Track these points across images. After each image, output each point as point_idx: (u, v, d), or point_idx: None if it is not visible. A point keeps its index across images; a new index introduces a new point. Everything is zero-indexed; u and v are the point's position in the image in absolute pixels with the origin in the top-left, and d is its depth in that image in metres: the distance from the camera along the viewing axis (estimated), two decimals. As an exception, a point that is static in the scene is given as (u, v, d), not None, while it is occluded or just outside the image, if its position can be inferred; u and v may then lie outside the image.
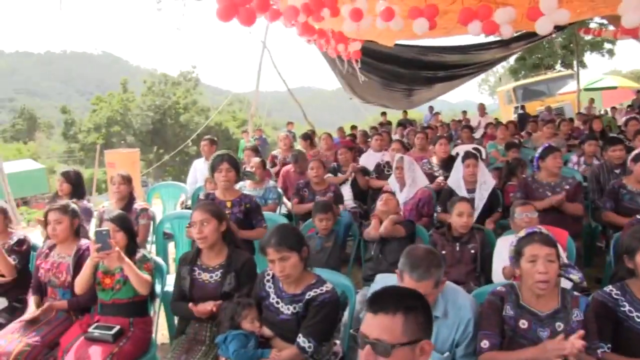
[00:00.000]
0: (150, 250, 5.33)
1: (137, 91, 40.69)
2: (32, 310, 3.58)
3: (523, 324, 2.56)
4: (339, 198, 5.47)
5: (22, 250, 4.02)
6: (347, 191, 6.24)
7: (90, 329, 3.27)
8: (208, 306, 3.00)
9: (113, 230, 3.30)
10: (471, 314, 2.61)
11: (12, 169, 21.36)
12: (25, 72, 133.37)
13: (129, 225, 3.49)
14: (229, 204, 4.18)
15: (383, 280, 2.91)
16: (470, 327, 2.59)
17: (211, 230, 3.15)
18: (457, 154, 6.59)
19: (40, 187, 21.56)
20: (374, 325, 1.63)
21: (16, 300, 3.92)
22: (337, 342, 3.31)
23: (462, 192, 4.98)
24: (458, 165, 5.21)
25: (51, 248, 3.73)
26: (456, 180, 5.13)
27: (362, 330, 1.66)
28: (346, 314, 3.38)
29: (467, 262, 3.89)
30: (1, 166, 10.94)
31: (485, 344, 2.54)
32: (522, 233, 2.68)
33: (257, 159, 5.97)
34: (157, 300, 3.80)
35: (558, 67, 25.72)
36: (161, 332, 4.44)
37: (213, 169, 4.22)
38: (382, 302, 1.67)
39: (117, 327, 3.25)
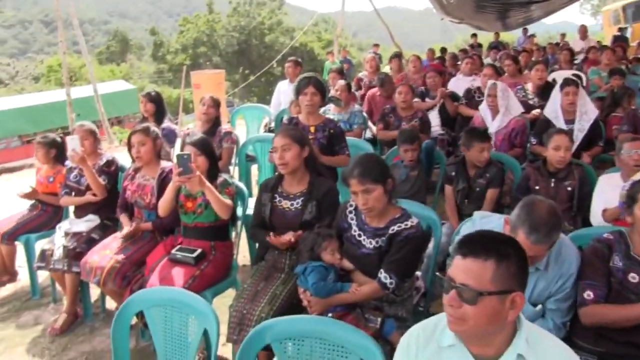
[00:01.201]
0: (233, 173, 5.38)
1: (223, 12, 40.71)
2: (125, 227, 3.69)
3: (633, 277, 2.29)
4: (426, 125, 5.19)
5: (111, 170, 4.11)
6: (434, 117, 5.95)
7: (173, 251, 3.32)
8: (286, 237, 2.94)
9: (194, 154, 3.27)
10: (574, 269, 2.36)
11: (105, 90, 22.20)
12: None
13: (211, 149, 3.44)
14: (312, 129, 4.05)
15: (483, 221, 2.67)
16: (569, 281, 2.35)
17: (293, 156, 3.04)
18: (554, 81, 6.11)
19: (132, 107, 22.27)
20: (462, 269, 1.49)
21: (107, 218, 4.05)
22: (419, 274, 3.22)
23: (560, 123, 4.59)
24: (556, 93, 4.78)
25: (136, 170, 3.78)
26: (553, 110, 4.73)
27: (449, 273, 1.52)
28: (431, 246, 3.25)
29: (562, 200, 3.58)
30: (95, 87, 11.33)
31: (589, 295, 2.31)
32: (639, 176, 2.37)
33: (342, 82, 5.75)
34: (239, 224, 3.82)
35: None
36: (242, 254, 4.51)
37: (298, 91, 4.07)
38: (473, 245, 1.51)
39: (199, 250, 3.28)
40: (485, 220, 2.69)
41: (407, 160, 4.27)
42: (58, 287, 4.13)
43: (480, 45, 15.34)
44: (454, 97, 6.26)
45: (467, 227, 2.70)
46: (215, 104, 4.99)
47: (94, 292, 4.06)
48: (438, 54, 13.07)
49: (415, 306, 2.85)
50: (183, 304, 2.18)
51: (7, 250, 4.38)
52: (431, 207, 4.49)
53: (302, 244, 2.76)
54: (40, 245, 4.05)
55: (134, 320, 2.61)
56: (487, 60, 10.09)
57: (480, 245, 1.51)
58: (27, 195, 4.35)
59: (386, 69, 9.76)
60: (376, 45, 17.48)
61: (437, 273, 1.45)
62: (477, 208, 3.73)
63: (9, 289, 4.55)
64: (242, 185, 3.75)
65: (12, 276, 4.57)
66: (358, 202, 2.54)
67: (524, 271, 1.53)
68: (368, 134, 6.01)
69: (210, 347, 3.16)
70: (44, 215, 4.43)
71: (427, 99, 6.38)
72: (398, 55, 8.74)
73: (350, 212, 2.74)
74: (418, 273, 3.28)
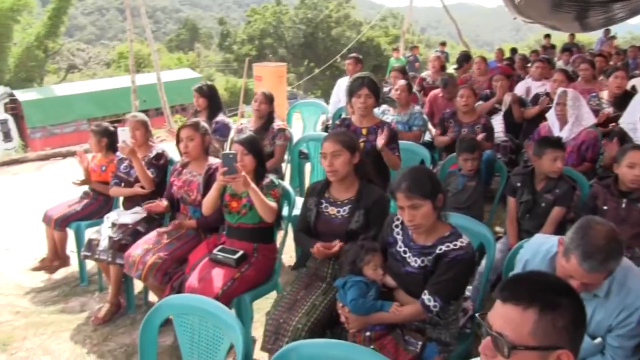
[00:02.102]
0: (285, 170, 5.29)
1: (291, 4, 40.89)
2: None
3: None
4: (489, 133, 4.90)
5: (160, 164, 4.09)
6: (498, 123, 5.66)
7: (215, 251, 3.25)
8: (329, 250, 2.81)
9: (241, 153, 3.18)
10: None
11: (171, 78, 22.69)
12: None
13: (258, 149, 3.33)
14: (364, 131, 3.89)
15: (539, 244, 2.43)
16: (635, 316, 2.07)
17: (342, 163, 2.90)
18: (634, 89, 5.69)
19: (197, 96, 22.79)
20: (500, 316, 1.32)
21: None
22: (468, 293, 3.02)
23: (638, 136, 4.22)
24: (636, 103, 4.41)
25: (184, 165, 3.73)
26: (632, 121, 4.35)
27: (488, 316, 1.35)
28: (483, 264, 3.05)
29: (634, 223, 3.22)
30: (159, 75, 11.51)
31: None
32: None
33: (402, 82, 5.55)
34: (284, 226, 3.73)
35: None
36: (289, 254, 4.42)
37: (351, 92, 3.91)
38: (516, 289, 1.33)
39: (241, 252, 3.20)
40: (544, 241, 2.45)
41: (465, 169, 4.05)
42: (104, 276, 4.16)
43: (553, 47, 14.59)
44: (521, 102, 5.95)
45: (522, 251, 2.48)
46: (268, 99, 4.87)
47: (138, 284, 4.05)
48: (508, 54, 12.57)
49: (462, 329, 2.66)
50: (211, 315, 2.09)
51: (58, 236, 4.44)
52: (488, 217, 4.32)
53: (344, 256, 2.62)
54: (90, 233, 4.09)
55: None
56: (559, 64, 9.58)
57: (524, 290, 1.33)
58: (80, 183, 4.41)
59: (451, 69, 9.47)
60: (443, 43, 17.00)
61: (477, 315, 1.28)
62: (538, 225, 3.48)
63: (60, 274, 4.63)
64: (288, 187, 3.64)
65: (64, 261, 4.63)
66: (404, 217, 2.37)
67: (577, 326, 1.33)
68: (427, 137, 5.79)
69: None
70: (95, 203, 4.47)
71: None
72: (466, 58, 8.42)
73: (397, 226, 2.57)
74: (468, 293, 3.10)
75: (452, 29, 17.87)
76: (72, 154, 9.85)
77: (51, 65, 30.73)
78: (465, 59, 8.37)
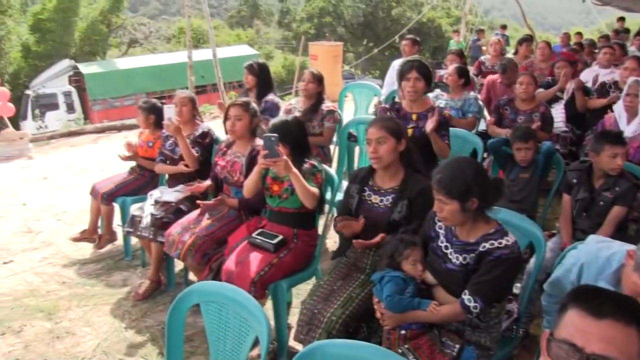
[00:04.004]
0: (333, 153, 5.19)
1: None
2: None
3: None
4: (547, 122, 4.62)
5: (205, 142, 4.05)
6: (559, 112, 5.34)
7: (254, 235, 3.19)
8: (369, 242, 2.70)
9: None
10: None
11: (229, 54, 22.84)
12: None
13: (293, 133, 3.19)
14: (414, 117, 3.73)
15: (598, 246, 2.23)
16: None
17: (387, 150, 2.76)
18: None
19: (253, 72, 22.91)
20: (598, 336, 1.11)
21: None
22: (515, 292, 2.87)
23: None
24: None
25: (229, 146, 3.68)
26: None
27: (571, 339, 1.15)
28: (532, 263, 2.87)
29: None
30: (215, 51, 11.55)
31: None
32: None
33: (454, 66, 5.32)
34: (329, 209, 3.64)
35: None
36: (334, 240, 4.34)
37: (401, 76, 3.75)
38: (609, 303, 1.15)
39: (280, 237, 3.13)
40: (603, 246, 2.26)
41: (519, 159, 3.84)
42: (147, 252, 4.19)
43: (627, 31, 13.66)
44: (585, 91, 5.60)
45: (575, 253, 2.30)
46: (316, 79, 4.73)
47: (179, 262, 4.06)
48: (575, 40, 11.95)
49: (504, 332, 2.51)
50: (239, 306, 2.02)
51: (105, 210, 4.49)
52: (541, 213, 4.10)
53: (383, 249, 2.51)
54: (134, 209, 4.11)
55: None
56: (631, 50, 8.99)
57: (620, 303, 1.15)
58: (127, 158, 4.43)
59: (510, 53, 9.08)
60: (503, 26, 16.35)
61: (551, 336, 1.10)
62: (595, 225, 3.25)
63: (105, 247, 4.70)
64: (332, 172, 3.53)
65: (111, 236, 4.70)
66: (437, 212, 2.26)
67: None
68: (482, 125, 5.54)
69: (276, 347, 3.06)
70: (141, 179, 4.50)
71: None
72: (527, 39, 8.00)
73: (440, 219, 2.42)
74: (516, 291, 2.93)
75: (516, 11, 17.17)
76: (127, 127, 10.06)
77: (114, 39, 31.45)
78: (521, 41, 7.91)
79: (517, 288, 3.00)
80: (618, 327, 1.11)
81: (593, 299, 1.17)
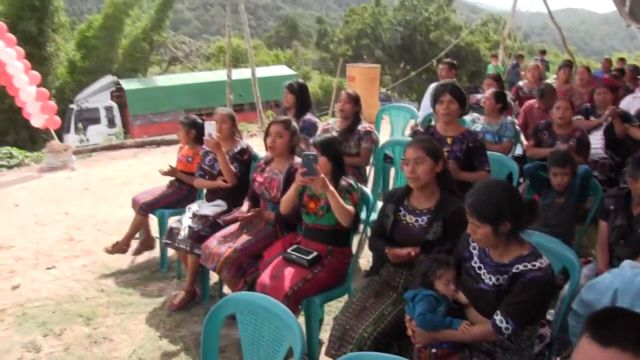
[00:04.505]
0: (369, 173, 5.24)
1: (392, 4, 40.62)
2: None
3: None
4: (583, 147, 4.59)
5: (244, 159, 4.15)
6: (598, 138, 5.30)
7: (289, 250, 3.25)
8: (405, 250, 2.73)
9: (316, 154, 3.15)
10: None
11: (267, 74, 23.21)
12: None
13: (335, 151, 3.28)
14: (449, 140, 3.76)
15: (634, 271, 2.22)
16: None
17: (424, 170, 2.80)
18: None
19: (291, 93, 23.22)
20: None
21: (234, 204, 4.07)
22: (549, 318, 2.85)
23: None
24: None
25: (267, 163, 3.76)
26: None
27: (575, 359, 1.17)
28: (566, 289, 2.85)
29: None
30: (253, 71, 11.76)
31: None
32: None
33: (491, 90, 5.34)
34: (361, 230, 3.68)
35: None
36: (367, 259, 4.37)
37: (435, 99, 3.80)
38: (617, 331, 1.13)
39: (315, 254, 3.18)
40: (638, 272, 2.26)
41: (555, 184, 3.83)
42: (183, 264, 4.28)
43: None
44: (625, 117, 5.53)
45: (610, 278, 2.29)
46: (353, 100, 4.79)
47: (214, 275, 4.14)
48: (617, 65, 11.82)
49: (536, 356, 2.50)
50: (274, 316, 2.07)
51: (140, 220, 4.63)
52: (577, 239, 4.05)
53: (416, 268, 2.54)
54: (172, 221, 4.23)
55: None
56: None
57: (629, 330, 1.13)
58: (167, 173, 4.56)
59: (551, 79, 9.03)
60: (542, 51, 16.25)
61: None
62: (633, 252, 3.20)
63: (143, 257, 4.85)
64: (368, 191, 3.58)
65: (150, 243, 4.83)
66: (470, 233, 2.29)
67: None
68: (519, 150, 5.53)
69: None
70: (180, 193, 4.62)
71: (591, 118, 5.73)
72: (566, 65, 7.97)
73: (474, 240, 2.45)
74: (549, 317, 2.92)
75: (557, 36, 17.01)
76: (167, 142, 10.29)
77: (155, 56, 32.25)
78: (561, 67, 7.88)
79: (550, 314, 2.98)
80: (623, 357, 1.09)
81: (602, 325, 1.16)
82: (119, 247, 4.68)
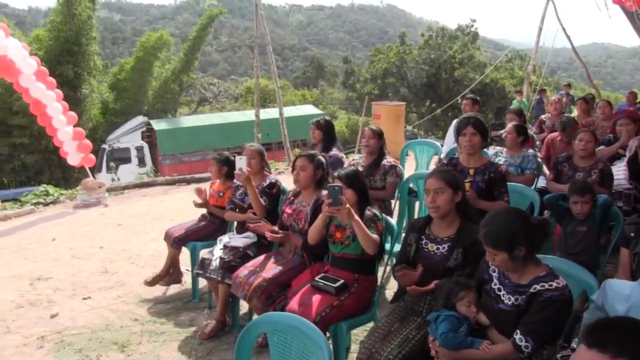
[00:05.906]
0: (394, 206, 5.35)
1: (416, 43, 41.10)
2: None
3: None
4: (606, 178, 4.65)
5: (273, 192, 4.30)
6: (621, 169, 5.35)
7: (316, 278, 3.37)
8: (423, 289, 2.85)
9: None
10: None
11: (295, 113, 23.64)
12: (318, 24, 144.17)
13: (359, 183, 3.43)
14: (471, 171, 3.89)
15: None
16: None
17: (445, 200, 2.93)
18: None
19: (318, 132, 23.56)
20: None
21: (264, 237, 4.21)
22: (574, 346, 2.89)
23: None
24: None
25: (296, 195, 3.92)
26: None
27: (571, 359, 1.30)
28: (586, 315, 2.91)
29: None
30: (281, 110, 12.05)
31: None
32: None
33: (512, 124, 5.45)
34: (386, 259, 3.78)
35: None
36: (392, 290, 4.44)
37: (458, 132, 3.94)
38: (602, 335, 1.26)
39: (341, 281, 3.29)
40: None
41: (576, 213, 3.90)
42: (214, 295, 4.42)
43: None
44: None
45: (631, 287, 2.36)
46: (377, 135, 4.94)
47: (244, 305, 4.27)
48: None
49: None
50: (304, 335, 2.19)
51: (173, 252, 4.80)
52: (601, 268, 4.09)
53: (439, 291, 2.64)
54: (204, 253, 4.38)
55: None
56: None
57: (611, 335, 1.25)
58: (200, 205, 4.76)
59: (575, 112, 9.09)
60: (567, 85, 16.30)
61: (559, 357, 1.17)
62: (655, 278, 3.27)
63: (175, 289, 5.00)
64: (392, 221, 3.70)
65: (177, 276, 4.98)
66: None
67: None
68: (542, 182, 5.60)
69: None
70: (211, 226, 4.80)
71: (613, 149, 5.78)
72: (583, 98, 8.06)
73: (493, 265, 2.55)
74: (574, 345, 2.96)
75: (584, 71, 17.07)
76: (196, 180, 10.56)
77: (185, 97, 33.09)
78: (587, 98, 7.96)
79: (575, 342, 3.02)
80: (600, 358, 1.21)
81: (593, 331, 1.28)
82: (158, 279, 4.85)
